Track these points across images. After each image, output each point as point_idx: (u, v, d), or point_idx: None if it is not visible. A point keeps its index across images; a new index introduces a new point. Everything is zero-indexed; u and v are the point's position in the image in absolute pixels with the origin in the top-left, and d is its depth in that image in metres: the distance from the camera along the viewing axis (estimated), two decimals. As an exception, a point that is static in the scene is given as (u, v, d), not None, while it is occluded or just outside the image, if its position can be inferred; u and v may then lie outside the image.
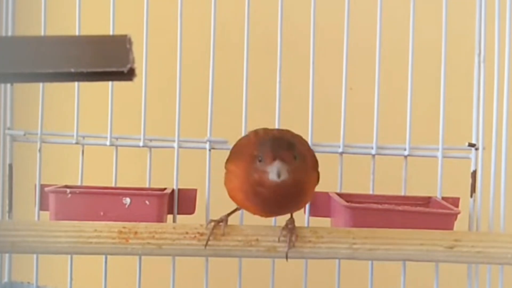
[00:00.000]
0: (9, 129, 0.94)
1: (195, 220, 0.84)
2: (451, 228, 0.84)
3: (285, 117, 0.91)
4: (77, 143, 0.94)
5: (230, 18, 1.04)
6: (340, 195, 0.90)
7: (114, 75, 0.48)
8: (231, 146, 0.82)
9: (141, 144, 0.93)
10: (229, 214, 0.81)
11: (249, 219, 0.86)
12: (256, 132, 0.79)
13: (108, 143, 0.93)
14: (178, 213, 0.91)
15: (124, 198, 0.85)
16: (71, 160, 0.98)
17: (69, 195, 0.85)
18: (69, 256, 0.92)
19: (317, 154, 0.80)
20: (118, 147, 0.94)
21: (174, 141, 0.92)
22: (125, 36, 0.49)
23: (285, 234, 0.79)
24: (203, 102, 0.92)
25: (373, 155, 0.93)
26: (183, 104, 0.92)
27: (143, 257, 0.90)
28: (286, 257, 0.79)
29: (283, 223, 0.80)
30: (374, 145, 0.92)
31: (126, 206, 0.85)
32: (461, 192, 0.91)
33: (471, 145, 0.91)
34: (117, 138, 0.94)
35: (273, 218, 0.90)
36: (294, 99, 1.01)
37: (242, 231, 0.80)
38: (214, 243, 0.79)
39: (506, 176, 0.88)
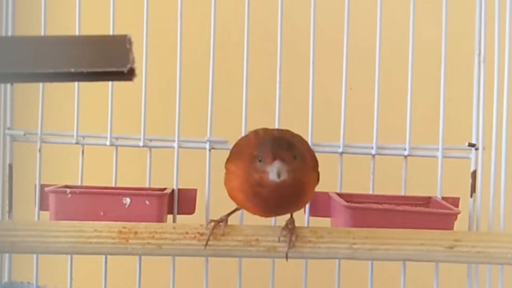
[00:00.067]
0: (9, 129, 0.94)
1: (195, 220, 0.84)
2: (451, 228, 0.84)
3: (285, 117, 0.91)
4: (77, 143, 0.94)
5: (230, 18, 1.04)
6: (340, 195, 0.90)
7: (114, 75, 0.48)
8: (231, 146, 0.82)
9: (141, 144, 0.93)
10: (229, 214, 0.81)
11: (249, 219, 0.86)
12: (256, 132, 0.79)
13: (108, 143, 0.93)
14: (178, 213, 0.91)
15: (124, 198, 0.85)
16: (71, 160, 0.98)
17: (69, 195, 0.85)
18: (69, 256, 0.92)
19: (317, 154, 0.80)
20: (118, 147, 0.94)
21: (174, 141, 0.92)
22: (125, 36, 0.49)
23: (285, 234, 0.79)
24: (203, 102, 0.92)
25: (373, 155, 0.93)
26: (183, 104, 0.92)
27: (143, 257, 0.90)
28: (286, 257, 0.79)
29: (283, 223, 0.80)
30: (374, 145, 0.92)
31: (126, 206, 0.85)
32: (461, 192, 0.91)
33: (471, 145, 0.91)
34: (117, 138, 0.94)
35: (273, 218, 0.90)
36: (294, 99, 1.01)
37: (242, 231, 0.80)
38: (214, 243, 0.79)
39: (506, 176, 0.88)
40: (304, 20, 0.94)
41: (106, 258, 0.92)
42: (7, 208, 0.94)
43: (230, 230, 0.80)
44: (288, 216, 0.80)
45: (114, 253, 0.80)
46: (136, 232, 0.79)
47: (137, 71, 0.48)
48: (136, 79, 0.48)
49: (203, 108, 0.92)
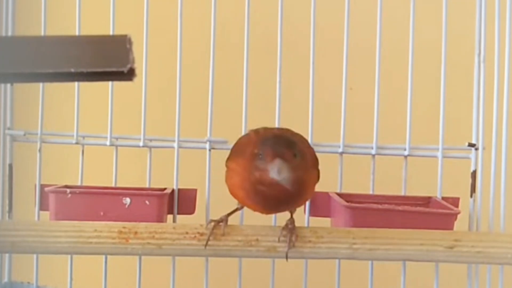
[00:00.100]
0: (9, 129, 0.94)
1: (195, 220, 0.84)
2: (451, 228, 0.84)
3: (285, 117, 0.91)
4: (77, 143, 0.94)
5: (230, 18, 1.04)
6: (340, 195, 0.90)
7: (114, 75, 0.48)
8: (231, 146, 0.82)
9: (141, 144, 0.93)
10: (229, 214, 0.81)
11: (249, 219, 0.86)
12: (256, 131, 0.79)
13: (108, 143, 0.93)
14: (178, 213, 0.91)
15: (124, 198, 0.85)
16: (71, 160, 0.98)
17: (69, 195, 0.85)
18: (69, 256, 0.92)
19: (317, 154, 0.80)
20: (118, 147, 0.94)
21: (174, 141, 0.92)
22: (125, 36, 0.49)
23: (285, 234, 0.79)
24: (203, 102, 0.92)
25: (373, 155, 0.93)
26: (183, 104, 0.92)
27: (143, 257, 0.90)
28: (286, 257, 0.79)
29: (283, 223, 0.80)
30: (374, 145, 0.92)
31: (126, 206, 0.85)
32: (461, 192, 0.91)
33: (471, 145, 0.91)
34: (117, 138, 0.94)
35: (273, 218, 0.90)
36: (294, 99, 1.01)
37: (242, 231, 0.80)
38: (214, 243, 0.79)
39: (506, 176, 0.88)
40: (304, 20, 0.94)
41: (106, 258, 0.92)
42: (7, 208, 0.94)
43: (230, 230, 0.80)
44: (288, 215, 0.80)
45: (114, 253, 0.80)
46: (136, 232, 0.79)
47: (137, 71, 0.48)
48: (136, 79, 0.48)
49: (203, 108, 0.92)
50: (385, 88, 0.93)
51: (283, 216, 0.80)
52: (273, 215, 0.89)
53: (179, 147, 0.92)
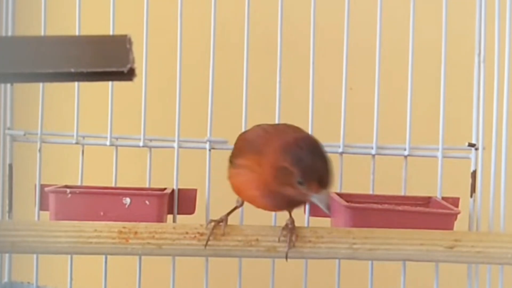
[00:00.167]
0: (9, 129, 0.94)
1: (195, 220, 0.84)
2: (451, 228, 0.84)
3: (285, 117, 0.91)
4: (77, 143, 0.94)
5: (230, 18, 1.04)
6: (340, 195, 0.90)
7: (114, 75, 0.48)
8: (231, 146, 0.82)
9: (141, 144, 0.93)
10: (228, 214, 0.81)
11: (249, 219, 0.86)
12: (262, 128, 0.77)
13: (108, 143, 0.93)
14: (178, 213, 0.91)
15: (124, 198, 0.85)
16: (71, 160, 0.98)
17: (69, 195, 0.85)
18: (69, 256, 0.92)
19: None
20: (118, 147, 0.94)
21: (174, 141, 0.92)
22: (125, 36, 0.49)
23: (285, 234, 0.79)
24: (203, 102, 0.92)
25: (373, 155, 0.93)
26: (183, 104, 0.92)
27: (143, 257, 0.90)
28: (286, 257, 0.79)
29: (283, 223, 0.80)
30: (374, 145, 0.92)
31: (126, 206, 0.85)
32: (461, 192, 0.91)
33: (471, 145, 0.91)
34: (117, 138, 0.94)
35: (273, 218, 0.90)
36: (294, 99, 1.01)
37: (242, 231, 0.80)
38: (214, 243, 0.79)
39: (506, 176, 0.88)
40: (304, 20, 0.94)
41: (106, 258, 0.92)
42: (7, 208, 0.94)
43: (230, 230, 0.80)
44: (287, 215, 0.80)
45: (114, 253, 0.80)
46: (136, 232, 0.79)
47: (137, 71, 0.48)
48: (136, 79, 0.48)
49: (203, 108, 0.92)
50: (385, 88, 0.93)
51: (283, 216, 0.80)
52: (273, 215, 0.90)
53: (179, 147, 0.92)
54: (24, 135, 0.94)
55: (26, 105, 0.99)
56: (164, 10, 1.02)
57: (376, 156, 0.93)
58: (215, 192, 0.90)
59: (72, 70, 0.47)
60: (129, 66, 0.47)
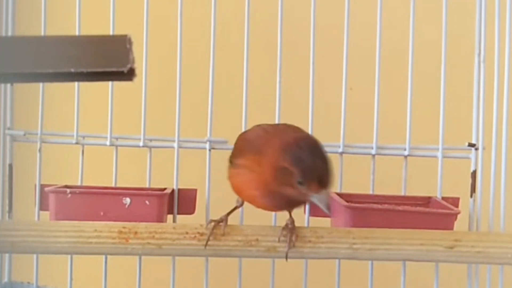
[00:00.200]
0: (9, 129, 0.94)
1: (195, 220, 0.84)
2: (451, 228, 0.84)
3: (285, 117, 0.91)
4: (77, 143, 0.94)
5: (230, 18, 1.04)
6: (340, 195, 0.90)
7: (114, 75, 0.48)
8: (231, 146, 0.82)
9: (141, 144, 0.93)
10: (228, 214, 0.81)
11: (249, 219, 0.86)
12: (264, 129, 0.77)
13: (108, 143, 0.93)
14: (178, 213, 0.91)
15: (124, 198, 0.85)
16: (71, 160, 0.98)
17: (69, 195, 0.85)
18: (69, 256, 0.92)
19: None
20: (118, 147, 0.94)
21: (174, 141, 0.92)
22: (125, 36, 0.49)
23: (285, 234, 0.79)
24: (203, 102, 0.92)
25: (373, 155, 0.93)
26: (183, 104, 0.92)
27: (143, 257, 0.90)
28: (286, 257, 0.79)
29: (283, 223, 0.80)
30: (374, 145, 0.92)
31: (126, 206, 0.85)
32: (461, 192, 0.91)
33: (471, 145, 0.91)
34: (117, 138, 0.94)
35: (273, 218, 0.90)
36: (294, 99, 1.01)
37: (242, 231, 0.80)
38: (214, 243, 0.79)
39: (506, 176, 0.88)
40: (304, 20, 0.94)
41: (106, 258, 0.92)
42: (7, 208, 0.94)
43: (230, 230, 0.80)
44: (287, 215, 0.80)
45: (114, 253, 0.80)
46: (136, 232, 0.79)
47: (137, 71, 0.48)
48: (136, 79, 0.48)
49: (203, 108, 0.92)
50: (385, 88, 0.93)
51: (283, 216, 0.80)
52: (273, 215, 0.90)
53: (179, 147, 0.92)
54: (24, 135, 0.94)
55: (26, 105, 0.99)
56: (164, 10, 1.02)
57: (376, 156, 0.93)
58: (215, 192, 0.90)
59: (72, 70, 0.47)
60: (129, 66, 0.47)
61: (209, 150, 0.92)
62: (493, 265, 0.85)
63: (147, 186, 0.93)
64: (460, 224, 0.87)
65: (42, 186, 0.90)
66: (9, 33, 0.93)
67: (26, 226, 0.79)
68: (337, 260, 0.90)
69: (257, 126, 0.79)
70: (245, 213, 0.88)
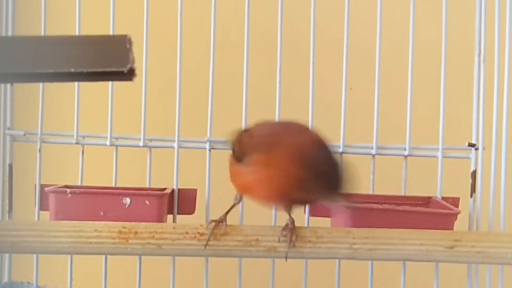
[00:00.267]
0: (9, 129, 0.94)
1: (195, 220, 0.84)
2: (451, 228, 0.84)
3: (285, 117, 0.91)
4: (77, 143, 0.94)
5: (230, 18, 1.04)
6: (340, 195, 0.90)
7: (114, 75, 0.48)
8: (231, 146, 0.82)
9: (141, 144, 0.93)
10: (227, 213, 0.81)
11: (249, 219, 0.86)
12: (272, 126, 0.77)
13: (108, 143, 0.93)
14: (178, 213, 0.91)
15: (124, 198, 0.85)
16: (71, 160, 0.98)
17: (69, 195, 0.85)
18: (69, 256, 0.92)
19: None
20: (118, 147, 0.94)
21: (174, 141, 0.92)
22: (125, 36, 0.49)
23: (285, 234, 0.79)
24: (203, 102, 0.92)
25: (373, 155, 0.93)
26: (183, 104, 0.92)
27: (143, 257, 0.90)
28: (286, 257, 0.79)
29: (283, 223, 0.80)
30: (374, 145, 0.92)
31: (126, 206, 0.85)
32: (461, 192, 0.91)
33: (471, 145, 0.91)
34: (117, 138, 0.94)
35: (273, 218, 0.90)
36: (294, 99, 1.01)
37: (242, 231, 0.80)
38: (214, 243, 0.79)
39: (506, 176, 0.88)
40: (304, 20, 0.94)
41: (106, 258, 0.92)
42: (7, 208, 0.94)
43: (230, 230, 0.80)
44: (287, 215, 0.80)
45: (114, 253, 0.80)
46: (136, 232, 0.79)
47: (137, 71, 0.48)
48: (136, 79, 0.48)
49: (203, 108, 0.92)
50: (385, 88, 0.93)
51: (283, 216, 0.80)
52: (273, 215, 0.90)
53: (179, 147, 0.92)
54: (24, 135, 0.94)
55: (26, 105, 0.99)
56: (164, 10, 1.02)
57: (376, 156, 0.93)
58: (215, 192, 0.90)
59: (72, 70, 0.47)
60: (129, 66, 0.47)
61: (209, 150, 0.92)
62: (493, 265, 0.85)
63: (147, 186, 0.93)
64: (460, 224, 0.87)
65: (42, 186, 0.90)
66: (9, 33, 0.93)
67: (26, 226, 0.79)
68: (337, 260, 0.90)
69: (263, 122, 0.79)
70: (245, 213, 0.88)
